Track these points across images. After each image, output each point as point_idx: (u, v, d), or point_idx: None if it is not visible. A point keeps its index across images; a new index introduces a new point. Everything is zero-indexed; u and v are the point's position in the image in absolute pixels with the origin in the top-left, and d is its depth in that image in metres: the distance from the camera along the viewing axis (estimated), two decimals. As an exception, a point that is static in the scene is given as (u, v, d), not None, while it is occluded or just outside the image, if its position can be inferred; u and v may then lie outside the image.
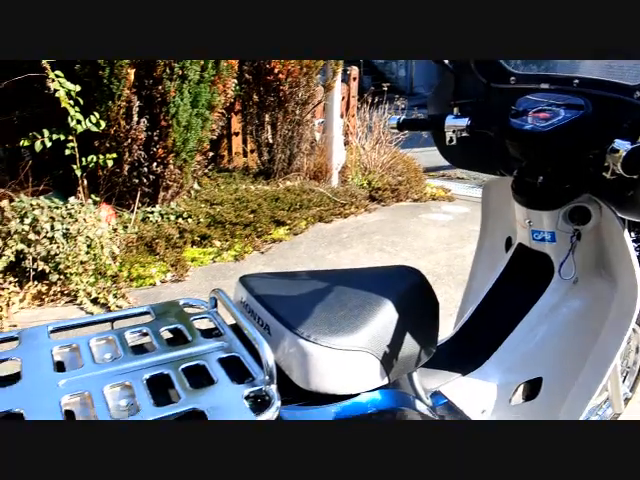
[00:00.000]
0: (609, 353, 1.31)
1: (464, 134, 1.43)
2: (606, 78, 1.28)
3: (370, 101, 5.26)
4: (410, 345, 1.11)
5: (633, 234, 1.36)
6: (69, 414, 0.84)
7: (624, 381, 1.87)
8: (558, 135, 1.22)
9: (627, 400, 1.87)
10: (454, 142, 1.45)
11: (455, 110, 1.46)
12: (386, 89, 5.47)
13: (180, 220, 3.80)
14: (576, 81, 1.33)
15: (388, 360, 1.06)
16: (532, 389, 1.42)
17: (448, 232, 4.10)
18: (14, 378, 0.91)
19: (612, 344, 1.31)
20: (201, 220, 3.81)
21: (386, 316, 1.08)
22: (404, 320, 1.10)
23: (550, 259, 1.40)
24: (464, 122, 1.42)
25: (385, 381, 1.07)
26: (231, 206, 4.02)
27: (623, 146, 1.09)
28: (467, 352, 1.44)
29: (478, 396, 1.37)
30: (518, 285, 1.49)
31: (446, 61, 1.49)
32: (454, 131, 1.44)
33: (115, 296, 2.88)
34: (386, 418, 1.11)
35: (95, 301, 2.86)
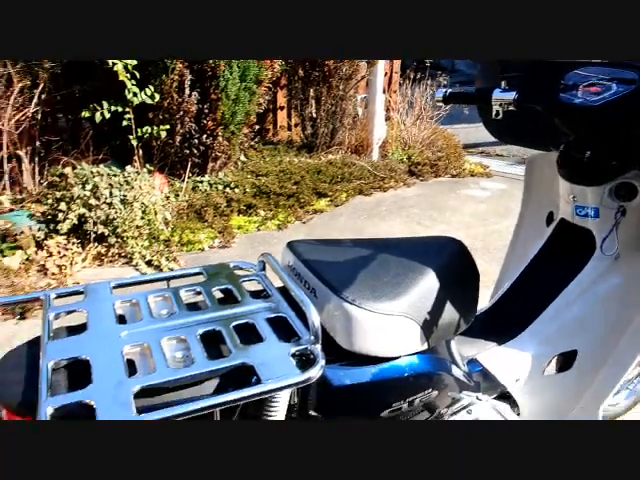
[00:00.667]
0: None
1: (511, 108, 1.38)
2: None
3: (412, 77, 5.12)
4: (450, 313, 1.10)
5: None
6: (130, 363, 0.87)
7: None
8: (609, 110, 1.16)
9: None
10: (500, 116, 1.39)
11: (503, 83, 1.40)
12: (428, 65, 5.31)
13: (227, 190, 3.83)
14: None
15: (428, 326, 1.05)
16: (566, 361, 1.39)
17: (485, 208, 4.00)
18: (81, 328, 0.95)
19: None
20: (247, 190, 3.83)
21: (428, 284, 1.07)
22: (445, 289, 1.08)
23: (592, 235, 1.36)
24: (511, 95, 1.36)
25: (424, 346, 1.07)
26: (275, 177, 4.03)
27: None
28: (504, 323, 1.42)
29: (513, 365, 1.35)
30: (558, 259, 1.45)
31: None
32: (501, 104, 1.38)
33: (167, 259, 2.95)
34: (423, 382, 1.11)
35: (149, 263, 2.94)
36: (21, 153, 3.28)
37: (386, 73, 5.18)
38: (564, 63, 1.35)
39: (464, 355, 1.28)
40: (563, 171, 1.34)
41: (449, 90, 1.52)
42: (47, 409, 0.76)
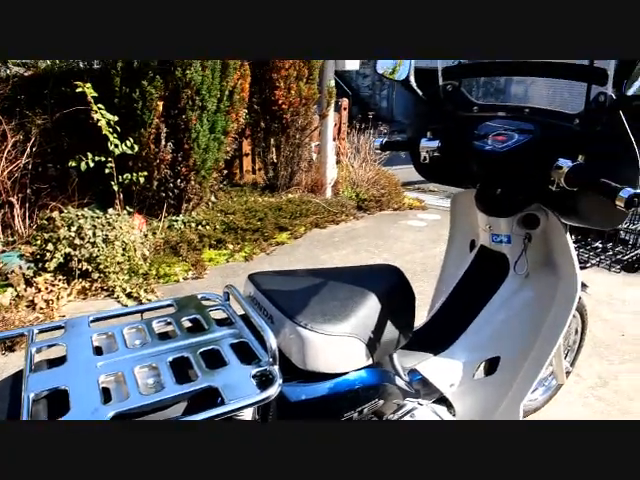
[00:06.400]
0: (554, 334, 1.31)
1: (436, 154, 1.43)
2: (551, 107, 1.28)
3: (358, 127, 5.26)
4: (391, 331, 1.10)
5: (573, 236, 1.36)
6: (105, 391, 0.83)
7: (566, 357, 1.88)
8: (512, 155, 1.22)
9: (568, 373, 1.87)
10: (427, 160, 1.44)
11: (428, 134, 1.45)
12: (371, 117, 5.47)
13: (200, 227, 3.78)
14: (527, 110, 1.33)
15: (372, 344, 1.05)
16: (491, 365, 1.41)
17: (422, 236, 4.09)
18: (61, 360, 0.91)
19: (556, 327, 1.31)
20: (217, 227, 3.79)
21: (371, 307, 1.07)
22: (386, 310, 1.09)
23: (507, 258, 1.40)
24: (435, 144, 1.42)
25: (370, 361, 1.07)
26: (242, 215, 4.01)
27: (565, 164, 1.09)
28: (438, 336, 1.43)
29: (447, 372, 1.36)
30: (481, 279, 1.48)
31: (419, 92, 1.49)
32: (427, 151, 1.44)
33: (145, 291, 2.87)
34: (370, 393, 1.10)
35: (129, 295, 2.84)
36: (13, 200, 3.15)
37: (336, 124, 5.28)
38: (478, 117, 1.41)
39: (405, 366, 1.29)
40: (480, 205, 1.39)
41: (385, 139, 1.58)
42: None
